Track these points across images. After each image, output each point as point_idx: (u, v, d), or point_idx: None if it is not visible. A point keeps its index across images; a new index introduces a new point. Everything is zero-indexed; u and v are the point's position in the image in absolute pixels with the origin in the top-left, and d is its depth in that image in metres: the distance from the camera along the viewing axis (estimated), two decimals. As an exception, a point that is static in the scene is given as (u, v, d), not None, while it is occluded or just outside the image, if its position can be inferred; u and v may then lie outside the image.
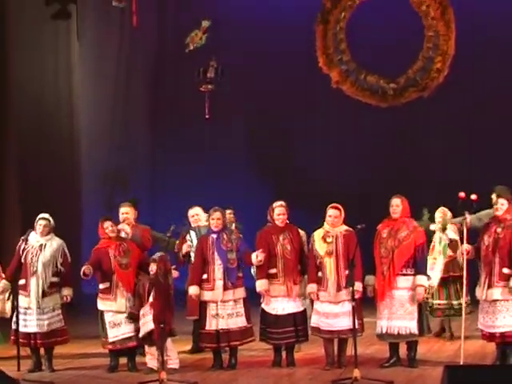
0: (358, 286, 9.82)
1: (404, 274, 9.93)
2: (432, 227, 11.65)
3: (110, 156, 17.14)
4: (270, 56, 16.46)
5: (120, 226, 10.64)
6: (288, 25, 16.08)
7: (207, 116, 15.58)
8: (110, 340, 10.29)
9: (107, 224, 10.42)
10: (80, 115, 16.54)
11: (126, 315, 10.21)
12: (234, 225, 12.24)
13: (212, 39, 15.65)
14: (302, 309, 10.24)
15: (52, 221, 10.58)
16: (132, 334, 10.23)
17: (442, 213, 11.45)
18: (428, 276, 10.32)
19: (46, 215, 10.61)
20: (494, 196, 11.72)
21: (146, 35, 16.79)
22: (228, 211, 12.00)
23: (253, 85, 16.67)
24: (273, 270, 10.18)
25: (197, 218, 11.45)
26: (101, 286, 10.36)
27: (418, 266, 10.01)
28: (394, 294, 9.92)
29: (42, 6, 15.44)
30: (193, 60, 15.72)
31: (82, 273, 10.35)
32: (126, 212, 11.37)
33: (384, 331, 9.97)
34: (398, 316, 9.92)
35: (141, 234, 11.07)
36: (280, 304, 10.19)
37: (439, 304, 11.64)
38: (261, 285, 10.21)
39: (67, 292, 10.42)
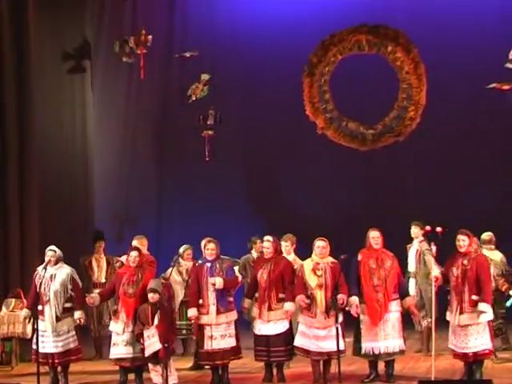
0: (342, 296, 9.92)
1: (394, 299, 10.10)
2: None
3: (119, 195, 17.18)
4: (263, 104, 16.57)
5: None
6: (279, 77, 16.18)
7: (207, 159, 15.70)
8: (111, 357, 10.38)
9: (132, 253, 10.49)
10: (94, 158, 16.61)
11: (125, 337, 10.26)
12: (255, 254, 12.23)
13: (211, 90, 15.82)
14: (276, 332, 10.23)
15: (58, 251, 10.60)
16: (125, 357, 10.25)
17: (489, 237, 11.25)
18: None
19: (53, 247, 10.65)
20: (413, 229, 11.82)
21: (152, 87, 16.89)
22: (258, 241, 11.95)
23: (248, 130, 16.77)
24: (256, 294, 10.38)
25: None
26: (113, 308, 10.46)
27: (403, 289, 10.25)
28: (387, 317, 10.05)
29: (60, 62, 15.61)
30: (194, 108, 15.87)
31: (87, 301, 10.54)
32: (135, 244, 11.52)
33: (382, 351, 10.06)
34: (392, 336, 10.06)
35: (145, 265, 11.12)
36: (257, 325, 10.35)
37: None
38: (243, 301, 10.54)
39: (78, 315, 10.43)
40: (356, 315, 10.07)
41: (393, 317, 10.07)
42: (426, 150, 15.91)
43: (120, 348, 10.27)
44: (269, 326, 10.26)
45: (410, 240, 12.11)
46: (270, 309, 10.25)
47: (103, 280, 12.60)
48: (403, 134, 15.35)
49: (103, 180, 16.91)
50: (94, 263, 12.67)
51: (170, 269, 11.15)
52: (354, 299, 10.03)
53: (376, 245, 10.18)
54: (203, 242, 11.26)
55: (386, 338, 10.01)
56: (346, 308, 10.06)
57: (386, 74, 15.34)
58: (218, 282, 10.21)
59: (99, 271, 12.58)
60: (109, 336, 11.50)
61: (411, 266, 12.00)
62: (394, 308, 10.08)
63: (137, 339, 10.09)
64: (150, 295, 10.02)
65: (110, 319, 11.20)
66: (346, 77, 15.56)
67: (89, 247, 13.03)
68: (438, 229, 10.52)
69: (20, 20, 14.24)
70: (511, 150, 15.76)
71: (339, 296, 9.88)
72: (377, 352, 10.06)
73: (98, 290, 12.32)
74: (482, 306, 9.75)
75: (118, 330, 10.28)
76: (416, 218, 12.02)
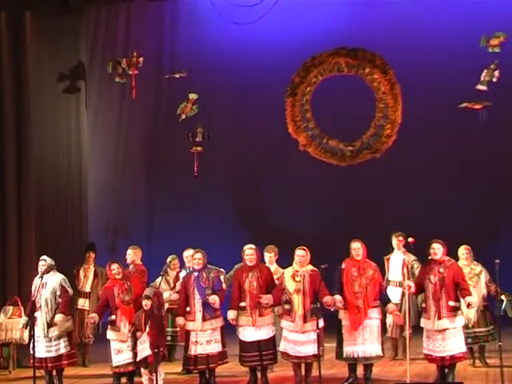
0: (328, 298, 9.92)
1: (374, 307, 10.11)
2: None
3: (112, 207, 17.18)
4: (248, 123, 16.60)
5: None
6: (263, 97, 16.23)
7: (196, 174, 15.75)
8: (114, 364, 10.35)
9: (114, 266, 10.48)
10: (88, 173, 16.64)
11: (130, 343, 10.27)
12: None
13: (199, 109, 15.89)
14: (268, 336, 10.30)
15: (49, 260, 10.64)
16: (131, 360, 10.27)
17: (466, 249, 11.20)
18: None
19: (44, 257, 10.72)
20: (396, 240, 11.81)
21: (143, 106, 16.90)
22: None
23: (234, 147, 16.80)
24: (242, 304, 10.31)
25: (190, 259, 11.49)
26: (108, 319, 10.45)
27: (384, 297, 10.26)
28: (366, 324, 10.06)
29: (56, 82, 15.67)
30: (183, 126, 15.93)
31: (88, 322, 10.59)
32: (129, 254, 11.55)
33: (360, 355, 10.08)
34: (370, 341, 10.07)
35: (134, 274, 11.12)
36: (247, 332, 10.29)
37: (480, 331, 11.17)
38: (229, 314, 10.34)
39: (58, 318, 10.43)
40: (342, 307, 10.04)
41: (372, 323, 10.08)
42: (401, 166, 15.97)
43: (126, 354, 10.26)
44: (261, 331, 10.27)
45: (388, 250, 12.09)
46: (260, 315, 10.29)
47: (88, 290, 12.53)
48: (380, 150, 15.40)
49: (97, 193, 16.92)
50: (81, 273, 12.65)
51: (160, 278, 11.17)
52: (338, 297, 10.02)
53: (357, 256, 10.22)
54: (187, 253, 11.36)
55: (365, 342, 10.05)
56: (332, 308, 10.08)
57: (363, 94, 15.41)
58: (217, 300, 10.26)
59: (85, 281, 12.57)
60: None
61: (394, 275, 11.79)
62: (374, 315, 10.10)
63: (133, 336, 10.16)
64: (144, 302, 10.05)
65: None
66: (327, 97, 15.62)
67: (82, 257, 13.02)
68: (410, 239, 10.60)
69: (19, 43, 14.33)
70: (482, 166, 15.86)
71: (325, 298, 9.90)
72: (355, 355, 10.10)
73: (82, 299, 12.38)
74: (470, 299, 9.94)
75: (123, 338, 10.27)
76: (394, 230, 12.03)
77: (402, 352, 11.19)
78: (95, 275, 12.59)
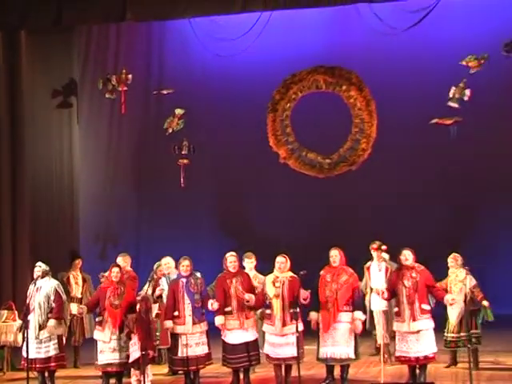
0: (305, 292, 9.97)
1: (345, 311, 10.10)
2: None
3: (102, 217, 17.17)
4: (232, 136, 16.62)
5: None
6: (245, 112, 16.29)
7: (182, 185, 15.79)
8: (99, 363, 10.37)
9: (114, 269, 10.53)
10: (79, 185, 16.64)
11: (112, 345, 10.27)
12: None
13: (185, 123, 15.95)
14: (254, 338, 10.34)
15: (44, 266, 10.67)
16: (112, 362, 10.27)
17: (453, 258, 11.17)
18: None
19: (39, 263, 10.76)
20: (374, 248, 11.79)
21: (131, 120, 16.94)
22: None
23: (219, 159, 16.84)
24: (228, 308, 10.31)
25: (168, 266, 11.51)
26: (97, 319, 10.47)
27: (356, 303, 10.21)
28: (337, 327, 10.07)
29: (49, 98, 15.69)
30: (170, 139, 15.98)
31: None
32: (118, 261, 11.55)
33: (329, 356, 10.09)
34: (339, 344, 10.05)
35: (126, 280, 11.14)
36: (235, 335, 10.29)
37: (458, 337, 11.02)
38: (218, 320, 10.33)
39: (50, 323, 10.43)
40: (314, 328, 10.13)
41: (343, 327, 10.08)
42: (376, 178, 16.05)
43: (107, 355, 10.28)
44: (248, 333, 10.29)
45: (365, 258, 12.09)
46: (246, 317, 10.32)
47: (79, 295, 12.58)
48: (356, 163, 15.49)
49: (88, 204, 16.91)
50: (71, 280, 12.66)
51: (147, 284, 11.19)
52: (314, 314, 10.12)
53: (333, 262, 10.28)
54: (165, 260, 11.37)
55: (335, 344, 10.06)
56: (308, 318, 10.14)
57: (340, 110, 15.51)
58: (215, 306, 10.28)
59: (76, 287, 12.59)
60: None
61: (377, 283, 11.31)
62: (344, 319, 10.08)
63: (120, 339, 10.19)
64: (138, 305, 10.09)
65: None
66: (306, 112, 15.71)
67: (69, 265, 13.01)
68: (384, 247, 10.67)
69: (13, 61, 14.33)
70: (450, 178, 15.97)
71: (302, 292, 9.93)
72: (325, 356, 10.14)
73: (74, 304, 12.38)
74: (449, 296, 10.14)
75: (105, 339, 10.29)
76: (370, 239, 12.04)
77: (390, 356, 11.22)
78: (84, 281, 12.62)
